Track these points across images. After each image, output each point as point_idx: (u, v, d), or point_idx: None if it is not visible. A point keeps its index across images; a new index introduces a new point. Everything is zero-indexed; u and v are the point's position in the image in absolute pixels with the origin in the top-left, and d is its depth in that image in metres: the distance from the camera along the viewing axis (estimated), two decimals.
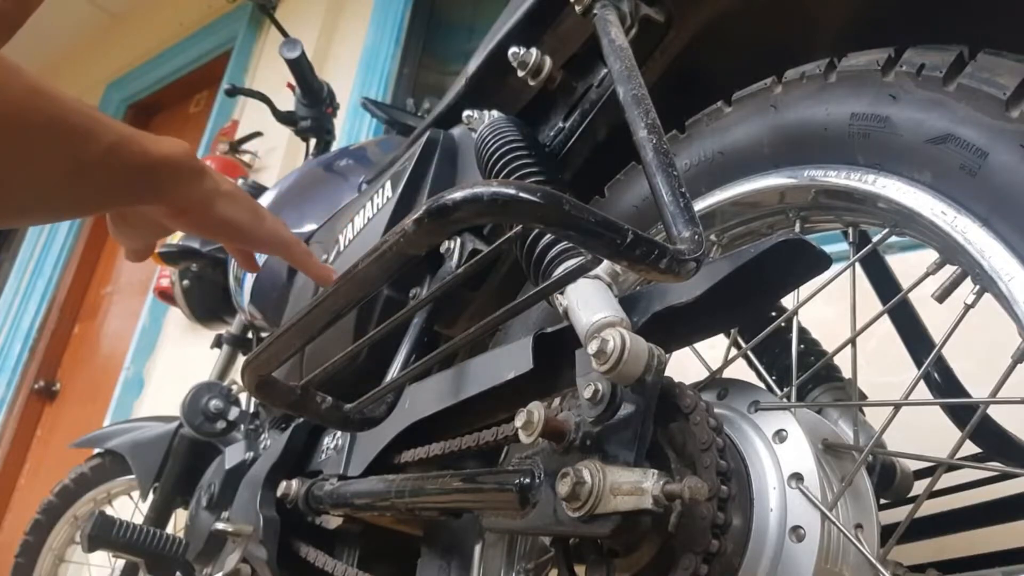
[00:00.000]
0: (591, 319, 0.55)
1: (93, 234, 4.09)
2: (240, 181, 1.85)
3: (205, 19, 3.96)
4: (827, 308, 0.77)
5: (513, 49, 0.81)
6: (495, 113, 0.86)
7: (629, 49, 0.67)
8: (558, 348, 0.63)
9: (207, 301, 1.72)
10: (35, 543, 1.78)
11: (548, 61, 0.81)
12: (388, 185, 1.01)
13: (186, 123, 3.98)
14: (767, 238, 0.56)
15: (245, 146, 3.02)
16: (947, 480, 0.72)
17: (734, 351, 0.71)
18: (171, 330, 3.12)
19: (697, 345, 0.67)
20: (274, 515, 0.97)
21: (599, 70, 0.83)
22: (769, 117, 0.63)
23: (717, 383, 0.64)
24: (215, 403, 1.39)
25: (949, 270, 0.55)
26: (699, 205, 0.68)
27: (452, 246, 0.89)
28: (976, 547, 0.78)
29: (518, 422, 0.55)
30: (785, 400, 0.70)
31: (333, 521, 0.90)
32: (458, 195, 0.45)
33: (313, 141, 1.77)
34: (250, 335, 1.66)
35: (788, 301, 0.63)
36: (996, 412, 0.76)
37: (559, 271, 0.65)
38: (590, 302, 0.57)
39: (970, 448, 0.79)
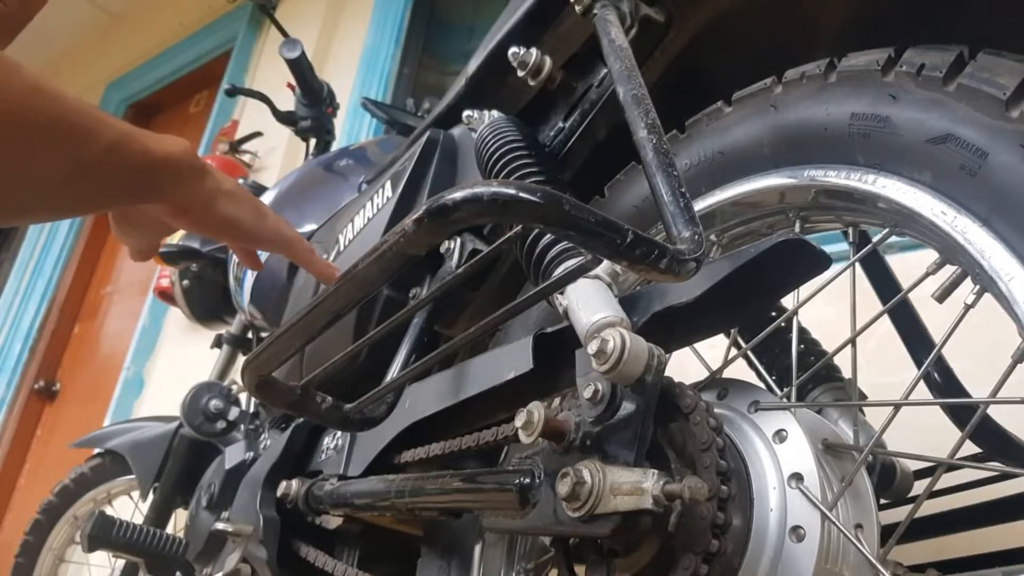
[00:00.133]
0: (591, 319, 0.55)
1: (93, 234, 4.09)
2: (240, 181, 1.85)
3: (205, 19, 3.96)
4: (827, 308, 0.77)
5: (513, 49, 0.81)
6: (495, 113, 0.86)
7: (629, 49, 0.67)
8: (558, 348, 0.63)
9: (207, 301, 1.72)
10: (35, 543, 1.78)
11: (548, 61, 0.81)
12: (388, 185, 1.01)
13: (186, 123, 3.98)
14: (767, 238, 0.56)
15: (245, 146, 3.03)
16: (947, 480, 0.72)
17: (734, 351, 0.71)
18: (171, 330, 3.12)
19: (697, 345, 0.67)
20: (274, 515, 0.97)
21: (599, 70, 0.83)
22: (769, 117, 0.63)
23: (717, 383, 0.64)
24: (215, 403, 1.39)
25: (949, 270, 0.55)
26: (699, 205, 0.68)
27: (452, 246, 0.89)
28: (976, 547, 0.78)
29: (518, 422, 0.55)
30: (785, 400, 0.70)
31: (333, 521, 0.90)
32: (458, 195, 0.45)
33: (313, 141, 1.77)
34: (250, 335, 1.66)
35: (788, 301, 0.63)
36: (996, 412, 0.76)
37: (559, 271, 0.65)
38: (590, 302, 0.57)
39: (970, 448, 0.79)
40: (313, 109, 1.74)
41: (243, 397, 1.44)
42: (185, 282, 1.71)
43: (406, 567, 0.83)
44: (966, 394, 0.83)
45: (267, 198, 1.43)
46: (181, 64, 4.07)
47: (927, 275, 0.56)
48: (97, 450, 1.74)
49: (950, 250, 0.52)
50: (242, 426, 1.39)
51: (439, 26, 3.11)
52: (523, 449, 0.60)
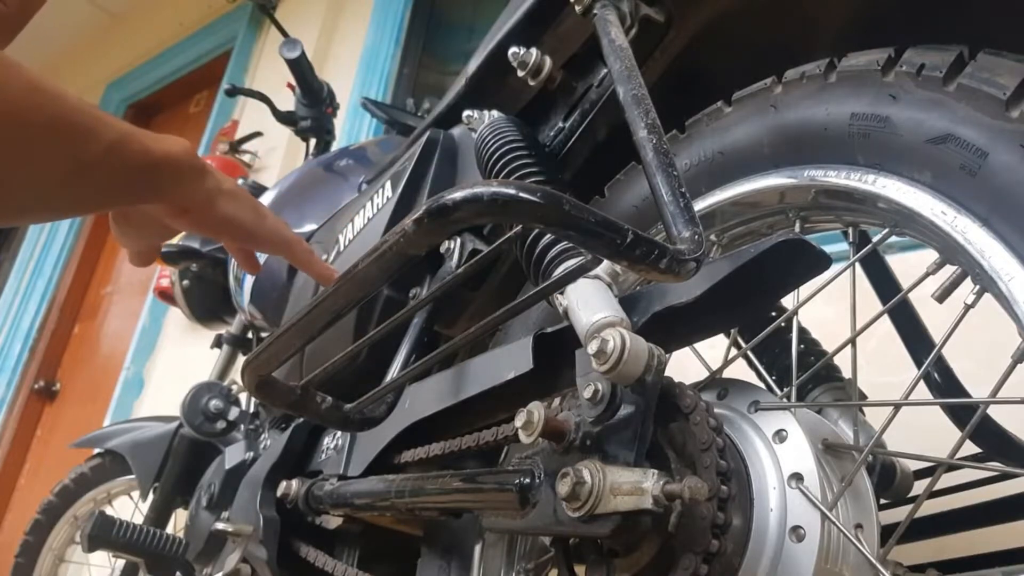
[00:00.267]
0: (591, 319, 0.55)
1: (93, 234, 4.09)
2: (240, 181, 1.86)
3: (205, 19, 3.96)
4: (827, 308, 0.77)
5: (513, 49, 0.81)
6: (495, 113, 0.86)
7: (629, 49, 0.67)
8: (558, 348, 0.63)
9: (207, 301, 1.72)
10: (35, 543, 1.78)
11: (548, 61, 0.81)
12: (388, 185, 1.01)
13: (186, 123, 3.98)
14: (767, 238, 0.56)
15: (245, 146, 3.03)
16: (947, 480, 0.72)
17: (734, 351, 0.70)
18: (171, 330, 3.12)
19: (697, 345, 0.67)
20: (274, 515, 0.97)
21: (599, 70, 0.83)
22: (769, 117, 0.63)
23: (717, 383, 0.64)
24: (215, 403, 1.39)
25: (949, 270, 0.55)
26: (699, 205, 0.68)
27: (452, 246, 0.89)
28: (976, 547, 0.78)
29: (518, 422, 0.55)
30: (785, 400, 0.70)
31: (333, 521, 0.90)
32: (458, 195, 0.45)
33: (313, 141, 1.77)
34: (250, 335, 1.66)
35: (788, 301, 0.63)
36: (996, 412, 0.76)
37: (559, 271, 0.65)
38: (590, 302, 0.57)
39: (970, 448, 0.79)
40: (313, 109, 1.74)
41: (243, 397, 1.44)
42: (185, 282, 1.71)
43: (406, 567, 0.83)
44: (966, 394, 0.83)
45: (267, 198, 1.43)
46: (181, 64, 4.07)
47: (927, 275, 0.56)
48: (97, 450, 1.74)
49: (950, 250, 0.52)
50: (242, 426, 1.39)
51: (439, 26, 3.11)
52: (523, 449, 0.60)
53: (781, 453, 0.55)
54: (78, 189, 0.54)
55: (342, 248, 1.08)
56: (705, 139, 0.69)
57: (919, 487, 0.83)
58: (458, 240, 0.89)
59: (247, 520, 0.99)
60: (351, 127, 2.79)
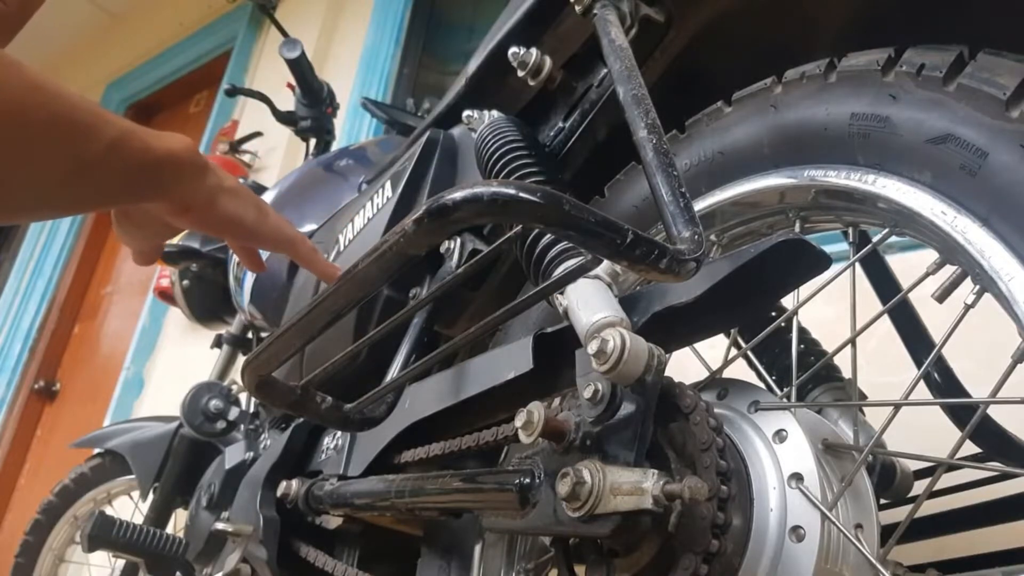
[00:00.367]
0: (591, 319, 0.55)
1: (93, 234, 4.09)
2: (240, 181, 1.85)
3: (205, 19, 3.96)
4: (827, 308, 0.77)
5: (513, 49, 0.81)
6: (495, 113, 0.86)
7: (629, 49, 0.67)
8: (558, 348, 0.63)
9: (207, 301, 1.72)
10: (35, 543, 1.78)
11: (548, 61, 0.81)
12: (388, 185, 1.01)
13: (186, 123, 3.98)
14: (767, 238, 0.56)
15: (245, 146, 3.02)
16: (947, 480, 0.72)
17: (734, 351, 0.70)
18: (171, 330, 3.12)
19: (697, 345, 0.67)
20: (274, 515, 0.97)
21: (599, 70, 0.83)
22: (769, 117, 0.63)
23: (717, 383, 0.64)
24: (215, 403, 1.39)
25: (949, 270, 0.55)
26: (699, 205, 0.68)
27: (452, 246, 0.89)
28: (976, 547, 0.78)
29: (518, 422, 0.55)
30: (785, 400, 0.70)
31: (333, 521, 0.90)
32: (458, 195, 0.45)
33: (313, 141, 1.77)
34: (250, 335, 1.66)
35: (788, 301, 0.63)
36: (996, 412, 0.76)
37: (559, 271, 0.65)
38: (590, 302, 0.57)
39: (970, 448, 0.79)
40: (313, 109, 1.74)
41: (243, 397, 1.44)
42: (185, 282, 1.71)
43: (406, 567, 0.83)
44: (966, 394, 0.83)
45: (267, 198, 1.43)
46: (181, 64, 4.07)
47: (927, 275, 0.56)
48: (97, 450, 1.74)
49: (950, 250, 0.52)
50: (242, 426, 1.39)
51: (439, 26, 3.11)
52: (523, 449, 0.60)
53: (781, 453, 0.55)
54: (79, 187, 0.54)
55: (342, 248, 1.08)
56: (705, 139, 0.69)
57: (919, 487, 0.83)
58: (458, 240, 0.89)
59: (247, 520, 1.00)
60: (351, 127, 2.79)
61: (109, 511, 1.43)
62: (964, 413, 0.77)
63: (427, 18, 3.09)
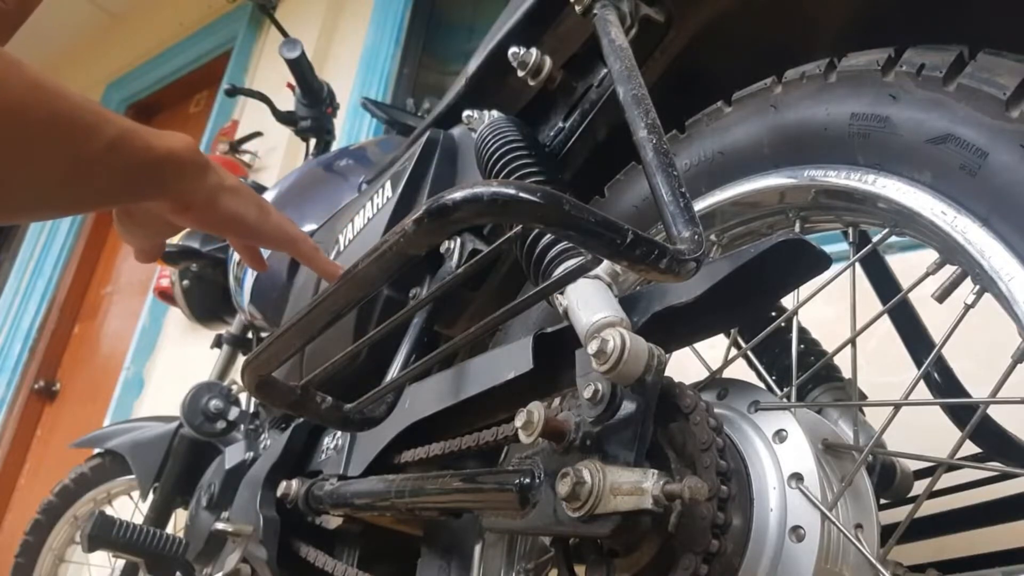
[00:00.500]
0: (591, 319, 0.55)
1: (93, 234, 4.09)
2: (240, 181, 1.85)
3: (205, 19, 3.96)
4: (827, 308, 0.77)
5: (513, 49, 0.81)
6: (495, 113, 0.86)
7: (629, 49, 0.67)
8: (558, 348, 0.63)
9: (207, 301, 1.72)
10: (35, 543, 1.78)
11: (548, 61, 0.81)
12: (388, 185, 1.01)
13: (186, 123, 3.98)
14: (767, 238, 0.56)
15: (245, 146, 3.03)
16: (947, 480, 0.72)
17: (734, 351, 0.70)
18: (171, 330, 3.12)
19: (697, 345, 0.67)
20: (274, 515, 0.97)
21: (599, 70, 0.83)
22: (769, 117, 0.63)
23: (717, 383, 0.64)
24: (215, 403, 1.39)
25: (949, 270, 0.55)
26: (699, 205, 0.68)
27: (452, 246, 0.89)
28: (976, 547, 0.78)
29: (518, 422, 0.55)
30: (785, 400, 0.70)
31: (333, 521, 0.90)
32: (458, 195, 0.45)
33: (313, 141, 1.77)
34: (250, 335, 1.66)
35: (788, 301, 0.63)
36: (996, 412, 0.76)
37: (559, 271, 0.65)
38: (590, 302, 0.57)
39: (970, 448, 0.79)
40: (313, 109, 1.74)
41: (243, 397, 1.44)
42: (185, 282, 1.71)
43: (406, 567, 0.83)
44: (966, 394, 0.83)
45: (267, 198, 1.42)
46: (181, 64, 4.07)
47: (927, 275, 0.56)
48: (97, 450, 1.74)
49: (950, 250, 0.52)
50: (242, 426, 1.39)
51: (439, 26, 3.11)
52: (523, 449, 0.60)
53: (781, 453, 0.55)
54: (80, 186, 0.54)
55: (342, 248, 1.08)
56: (705, 139, 0.69)
57: (919, 487, 0.83)
58: (458, 240, 0.89)
59: (247, 520, 0.99)
60: (351, 127, 2.79)
61: (109, 511, 1.43)
62: (964, 413, 0.77)
63: (427, 18, 3.09)
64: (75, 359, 3.89)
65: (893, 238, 0.57)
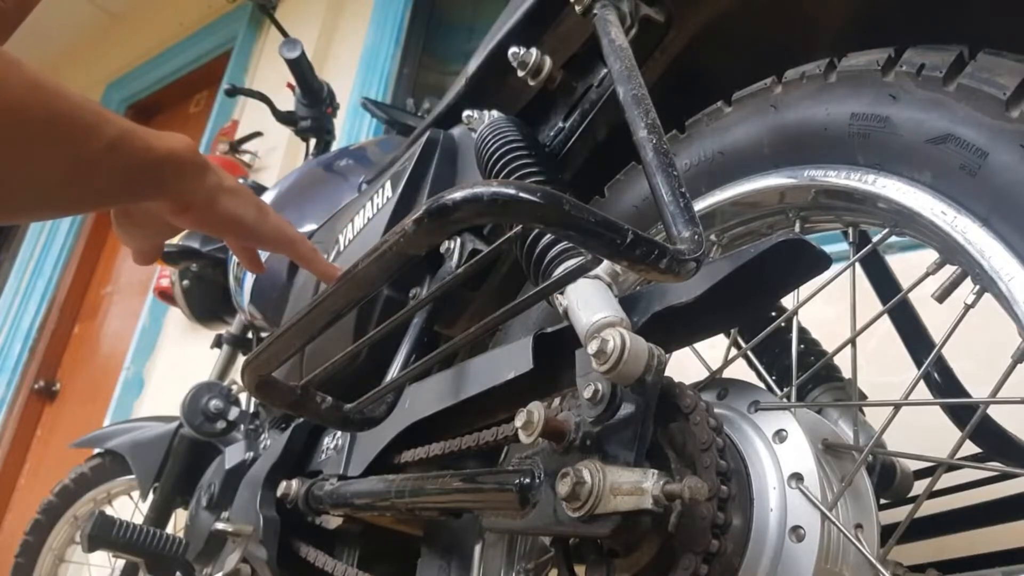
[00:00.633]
0: (591, 319, 0.55)
1: (93, 234, 4.09)
2: (240, 181, 1.85)
3: (205, 19, 3.96)
4: (827, 308, 0.77)
5: (513, 49, 0.81)
6: (495, 113, 0.86)
7: (629, 49, 0.67)
8: (558, 348, 0.63)
9: (207, 301, 1.72)
10: (35, 543, 1.78)
11: (548, 61, 0.81)
12: (388, 185, 1.01)
13: (186, 123, 3.98)
14: (767, 238, 0.56)
15: (245, 146, 3.02)
16: (947, 480, 0.72)
17: (734, 351, 0.70)
18: (171, 330, 3.12)
19: (697, 345, 0.67)
20: (274, 515, 0.97)
21: (599, 70, 0.83)
22: (769, 117, 0.63)
23: (717, 383, 0.64)
24: (215, 403, 1.39)
25: (949, 270, 0.55)
26: (699, 205, 0.68)
27: (452, 246, 0.89)
28: (976, 547, 0.78)
29: (518, 422, 0.55)
30: (785, 400, 0.70)
31: (333, 521, 0.90)
32: (458, 195, 0.45)
33: (313, 141, 1.77)
34: (250, 335, 1.66)
35: (788, 301, 0.63)
36: (996, 412, 0.76)
37: (559, 271, 0.65)
38: (590, 302, 0.57)
39: (970, 448, 0.79)
40: (313, 109, 1.74)
41: (243, 397, 1.44)
42: (185, 282, 1.71)
43: (406, 567, 0.83)
44: (966, 394, 0.83)
45: (267, 198, 1.43)
46: (181, 64, 4.07)
47: (927, 275, 0.56)
48: (97, 450, 1.74)
49: (950, 250, 0.52)
50: (242, 426, 1.39)
51: (439, 26, 3.11)
52: (523, 449, 0.60)
53: (781, 453, 0.55)
54: (79, 186, 0.54)
55: (342, 248, 1.08)
56: (705, 139, 0.69)
57: (919, 487, 0.83)
58: (458, 240, 0.89)
59: (247, 520, 0.99)
60: (351, 127, 2.79)
61: (109, 511, 1.43)
62: (964, 413, 0.77)
63: (427, 18, 3.09)
64: (75, 359, 3.89)
65: (893, 238, 0.57)
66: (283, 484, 0.90)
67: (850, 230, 0.62)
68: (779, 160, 0.63)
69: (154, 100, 4.30)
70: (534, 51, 0.81)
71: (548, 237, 0.68)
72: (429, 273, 0.93)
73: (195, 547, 1.19)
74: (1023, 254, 0.46)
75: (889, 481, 0.82)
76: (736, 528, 0.52)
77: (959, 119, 0.50)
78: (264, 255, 0.81)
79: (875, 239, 0.61)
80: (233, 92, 1.90)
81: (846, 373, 0.82)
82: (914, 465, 0.84)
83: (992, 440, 0.79)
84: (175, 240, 1.61)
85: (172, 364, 3.01)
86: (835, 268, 0.58)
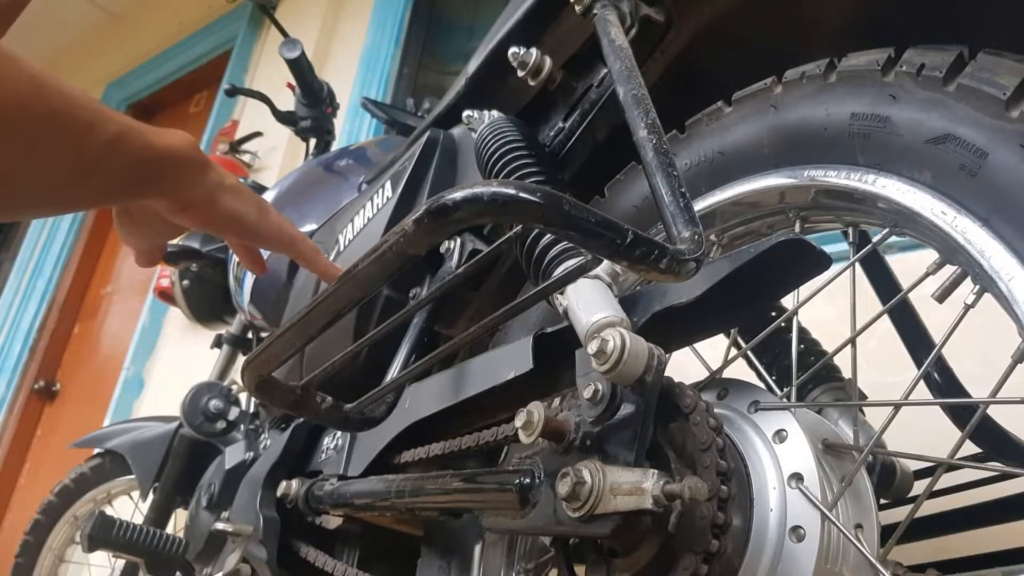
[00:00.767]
0: (591, 319, 0.55)
1: (93, 234, 4.09)
2: (240, 181, 1.85)
3: (205, 19, 3.96)
4: (827, 308, 0.77)
5: (513, 49, 0.81)
6: (495, 113, 0.86)
7: (629, 49, 0.67)
8: (558, 348, 0.63)
9: (207, 301, 1.72)
10: (35, 543, 1.78)
11: (548, 61, 0.81)
12: (388, 185, 1.01)
13: (186, 123, 3.98)
14: (767, 238, 0.56)
15: (245, 146, 3.03)
16: (947, 480, 0.72)
17: (734, 351, 0.70)
18: (171, 330, 3.12)
19: (697, 345, 0.67)
20: (274, 515, 0.97)
21: (599, 70, 0.83)
22: (769, 117, 0.63)
23: (717, 383, 0.64)
24: (215, 403, 1.39)
25: (949, 270, 0.55)
26: (699, 205, 0.68)
27: (452, 246, 0.89)
28: (976, 547, 0.78)
29: (518, 422, 0.55)
30: (785, 400, 0.70)
31: (333, 521, 0.90)
32: (458, 195, 0.45)
33: (313, 141, 1.77)
34: (250, 335, 1.66)
35: (788, 301, 0.63)
36: (996, 412, 0.76)
37: (559, 271, 0.65)
38: (590, 302, 0.57)
39: (970, 448, 0.79)
40: (313, 109, 1.74)
41: (243, 397, 1.44)
42: (185, 282, 1.71)
43: (406, 567, 0.83)
44: (966, 394, 0.83)
45: (267, 198, 1.42)
46: (181, 64, 4.07)
47: (927, 275, 0.56)
48: (97, 450, 1.74)
49: (950, 250, 0.51)
50: (242, 426, 1.39)
51: (439, 26, 3.11)
52: (523, 449, 0.60)
53: (781, 453, 0.55)
54: (80, 184, 0.54)
55: (342, 248, 1.08)
56: (705, 139, 0.69)
57: (919, 487, 0.83)
58: (458, 240, 0.89)
59: (247, 520, 0.99)
60: (351, 127, 2.79)
61: (109, 511, 1.43)
62: (964, 413, 0.77)
63: (427, 18, 3.09)
64: (75, 359, 3.89)
65: (893, 238, 0.57)
66: (283, 484, 0.90)
67: (850, 230, 0.62)
68: (779, 160, 0.63)
69: (154, 100, 4.30)
70: (534, 51, 0.81)
71: (548, 237, 0.68)
72: (429, 273, 0.93)
73: (195, 547, 1.19)
74: (1023, 254, 0.46)
75: (889, 481, 0.82)
76: (736, 528, 0.52)
77: (959, 119, 0.50)
78: (265, 255, 0.81)
79: (875, 239, 0.61)
80: (233, 92, 1.90)
81: (846, 373, 0.82)
82: (914, 465, 0.84)
83: (992, 440, 0.79)
84: (175, 240, 1.61)
85: (172, 364, 3.01)
86: (835, 268, 0.58)
